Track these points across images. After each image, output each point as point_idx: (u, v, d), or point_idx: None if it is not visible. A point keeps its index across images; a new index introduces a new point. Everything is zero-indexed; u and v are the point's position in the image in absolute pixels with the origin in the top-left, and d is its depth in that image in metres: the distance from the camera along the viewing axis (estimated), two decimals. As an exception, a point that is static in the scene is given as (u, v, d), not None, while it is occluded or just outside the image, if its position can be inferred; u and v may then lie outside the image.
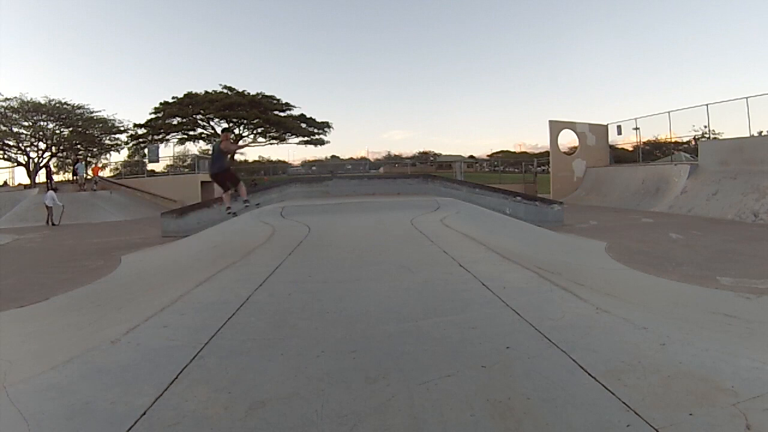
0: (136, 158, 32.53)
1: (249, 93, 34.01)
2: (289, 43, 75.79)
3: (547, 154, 24.09)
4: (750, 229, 9.70)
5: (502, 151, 56.35)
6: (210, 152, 7.51)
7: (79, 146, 30.31)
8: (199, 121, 33.89)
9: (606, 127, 21.23)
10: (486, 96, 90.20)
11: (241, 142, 7.25)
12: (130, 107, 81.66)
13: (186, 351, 2.46)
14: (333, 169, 31.81)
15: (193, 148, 35.07)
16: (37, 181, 25.44)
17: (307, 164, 40.39)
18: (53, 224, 16.25)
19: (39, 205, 18.12)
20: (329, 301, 3.45)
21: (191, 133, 34.44)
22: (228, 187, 7.69)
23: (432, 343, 2.54)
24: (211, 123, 34.38)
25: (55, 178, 24.32)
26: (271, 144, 37.26)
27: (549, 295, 3.40)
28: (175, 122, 33.31)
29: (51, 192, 17.17)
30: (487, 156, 52.38)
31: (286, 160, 40.60)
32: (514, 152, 55.71)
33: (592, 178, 19.92)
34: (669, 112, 17.42)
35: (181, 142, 34.77)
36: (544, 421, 1.73)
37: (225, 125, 34.58)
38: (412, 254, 4.99)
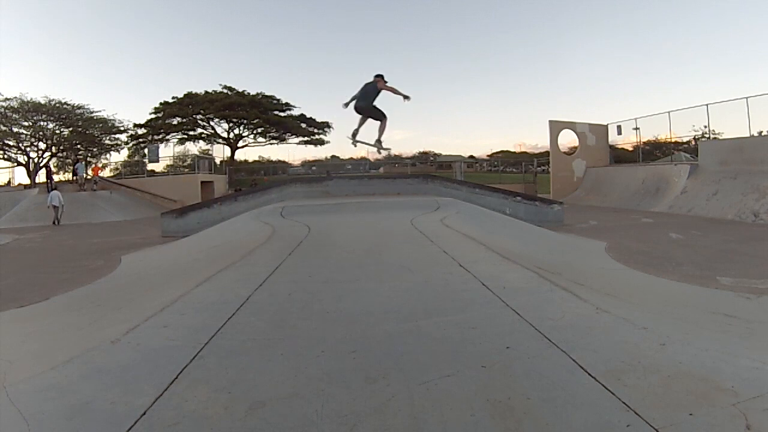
0: (136, 158, 32.54)
1: (249, 93, 34.05)
2: (289, 43, 75.75)
3: (547, 154, 24.09)
4: (750, 229, 9.69)
5: (502, 151, 56.26)
6: (362, 87, 8.04)
7: (79, 146, 30.31)
8: (199, 121, 33.93)
9: (606, 127, 21.23)
10: (486, 96, 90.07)
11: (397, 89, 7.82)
12: (130, 107, 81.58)
13: (186, 351, 2.46)
14: (330, 170, 31.75)
15: (193, 148, 35.12)
16: (37, 181, 25.44)
17: (307, 164, 40.38)
18: (57, 223, 16.48)
19: (39, 205, 18.16)
20: (329, 301, 3.45)
21: (191, 133, 34.48)
22: (365, 120, 8.21)
23: (432, 343, 2.54)
24: (211, 123, 34.42)
25: (55, 178, 24.34)
26: (271, 144, 37.35)
27: (549, 295, 3.40)
28: (175, 122, 33.35)
29: (56, 192, 17.38)
30: (487, 156, 52.39)
31: (286, 160, 40.58)
32: (514, 152, 55.65)
33: (592, 178, 19.92)
34: (669, 112, 17.45)
35: (181, 142, 34.81)
36: (544, 421, 1.73)
37: (225, 125, 34.65)
38: (412, 254, 4.99)
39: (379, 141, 8.52)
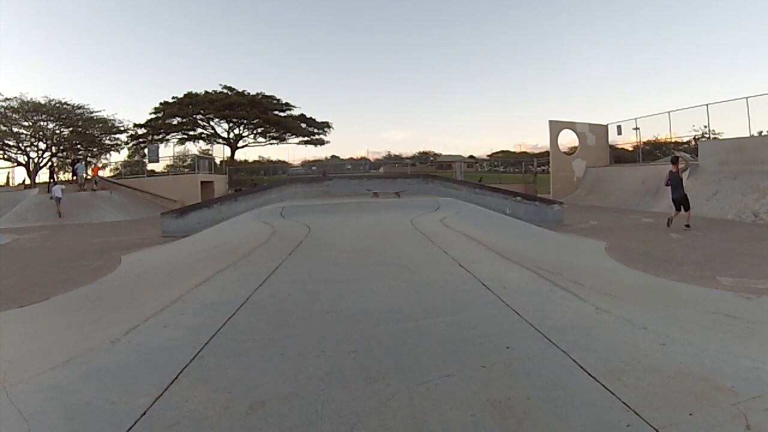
0: (136, 158, 32.54)
1: (249, 93, 34.07)
2: (289, 43, 75.93)
3: (547, 154, 24.09)
4: (750, 229, 9.69)
5: (502, 151, 56.25)
6: (670, 178, 9.96)
7: (79, 146, 30.30)
8: (199, 121, 33.94)
9: (606, 127, 21.22)
10: (486, 96, 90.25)
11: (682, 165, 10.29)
12: (130, 107, 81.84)
13: (186, 351, 2.46)
14: (327, 170, 31.62)
15: (193, 148, 35.13)
16: (37, 181, 25.42)
17: (307, 164, 40.40)
18: (59, 214, 17.50)
19: (39, 205, 18.28)
20: (329, 300, 3.45)
21: (191, 133, 34.49)
22: (681, 208, 9.82)
23: (432, 343, 2.54)
24: (211, 123, 34.42)
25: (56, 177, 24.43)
26: (271, 144, 37.38)
27: (549, 295, 3.40)
28: (175, 122, 33.36)
29: (58, 186, 18.71)
30: (487, 156, 52.36)
31: (286, 160, 40.57)
32: (514, 152, 55.61)
33: (592, 178, 19.92)
34: (669, 112, 17.44)
35: (181, 142, 34.83)
36: (544, 421, 1.73)
37: (225, 125, 34.67)
38: (412, 254, 4.99)
39: (687, 225, 9.72)
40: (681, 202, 9.79)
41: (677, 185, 9.82)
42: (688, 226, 9.66)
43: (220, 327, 2.83)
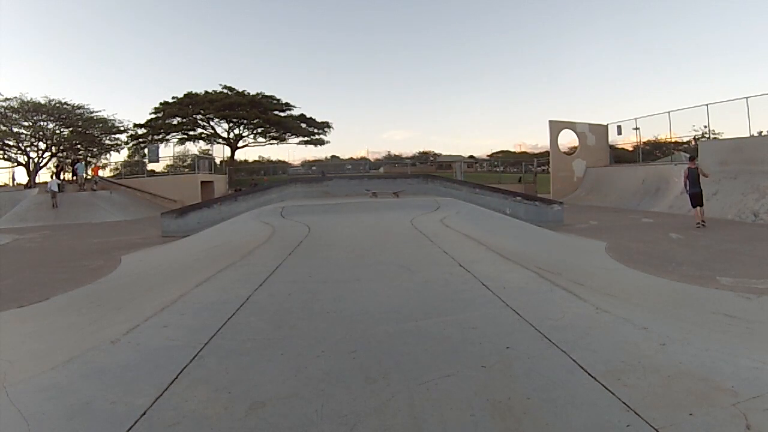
0: (136, 158, 32.51)
1: (249, 93, 34.05)
2: (289, 43, 75.94)
3: (547, 154, 24.09)
4: (750, 229, 9.69)
5: (502, 151, 56.23)
6: (688, 175, 10.23)
7: (79, 146, 30.28)
8: (199, 121, 33.92)
9: (606, 127, 21.22)
10: (486, 96, 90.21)
11: (706, 171, 10.69)
12: (130, 107, 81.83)
13: (186, 351, 2.46)
14: (325, 170, 31.60)
15: (193, 148, 35.10)
16: (37, 180, 25.41)
17: (307, 164, 40.39)
18: (55, 206, 18.19)
19: (39, 205, 18.35)
20: (329, 300, 3.45)
21: (191, 133, 34.47)
22: (697, 203, 10.10)
23: (432, 343, 2.54)
24: (211, 123, 34.41)
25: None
26: (271, 144, 37.37)
27: (549, 295, 3.40)
28: (175, 122, 33.34)
29: (54, 180, 19.59)
30: (487, 156, 52.34)
31: (286, 160, 40.57)
32: (514, 152, 55.59)
33: (592, 178, 19.91)
34: (669, 112, 17.43)
35: (181, 142, 34.80)
36: (544, 421, 1.73)
37: (225, 125, 34.67)
38: (412, 254, 4.99)
39: (702, 222, 10.00)
40: (696, 197, 10.09)
41: (695, 181, 10.16)
42: (703, 223, 9.92)
43: (220, 327, 2.83)
